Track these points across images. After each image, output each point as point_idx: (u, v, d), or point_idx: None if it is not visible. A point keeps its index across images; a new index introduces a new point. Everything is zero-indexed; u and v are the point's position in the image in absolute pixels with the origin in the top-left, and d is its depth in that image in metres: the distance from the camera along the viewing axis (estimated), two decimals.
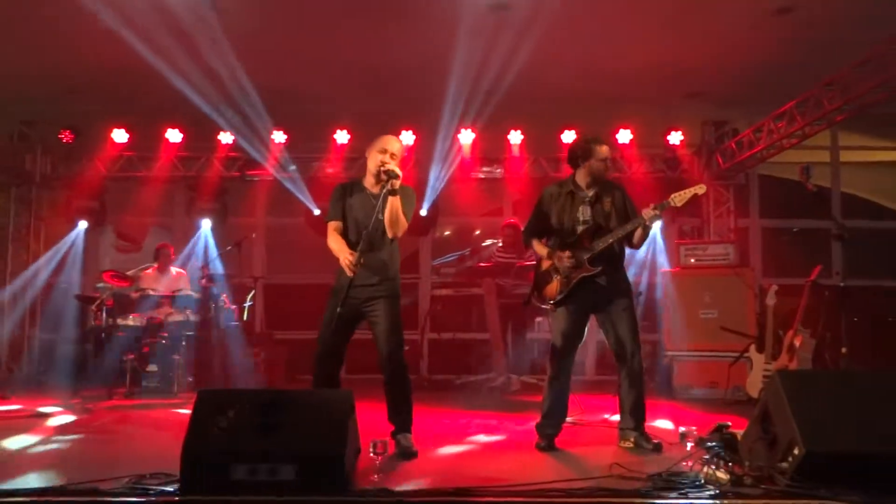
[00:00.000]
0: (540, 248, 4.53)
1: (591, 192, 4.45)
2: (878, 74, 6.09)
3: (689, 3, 6.71)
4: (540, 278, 4.52)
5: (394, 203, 4.00)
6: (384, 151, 4.09)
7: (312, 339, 4.14)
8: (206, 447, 3.06)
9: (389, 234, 4.09)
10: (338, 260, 4.06)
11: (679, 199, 4.29)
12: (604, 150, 4.43)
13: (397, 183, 3.97)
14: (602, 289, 4.36)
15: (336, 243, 4.11)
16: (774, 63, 7.86)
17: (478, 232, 10.24)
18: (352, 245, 4.05)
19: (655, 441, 4.26)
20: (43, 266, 8.92)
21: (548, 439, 4.32)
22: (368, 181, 4.20)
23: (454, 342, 8.66)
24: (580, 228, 4.39)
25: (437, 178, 8.99)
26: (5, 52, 7.43)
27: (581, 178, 4.48)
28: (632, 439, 4.34)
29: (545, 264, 4.49)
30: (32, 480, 3.37)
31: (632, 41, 7.36)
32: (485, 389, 7.42)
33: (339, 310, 3.90)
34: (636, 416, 4.41)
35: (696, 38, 7.37)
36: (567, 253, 4.34)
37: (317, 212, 8.90)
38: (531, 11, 6.94)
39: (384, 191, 3.98)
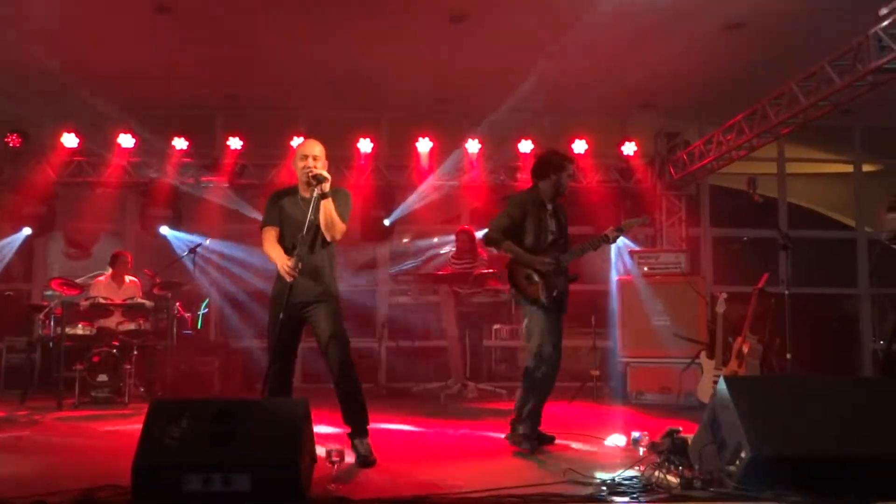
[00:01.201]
0: (517, 249, 4.58)
1: (551, 206, 4.72)
2: (821, 89, 6.31)
3: (642, 17, 6.88)
4: (520, 280, 4.62)
5: (326, 206, 3.97)
6: (306, 157, 4.06)
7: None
8: (158, 458, 3.01)
9: (328, 237, 4.05)
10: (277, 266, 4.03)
11: (628, 225, 4.84)
12: (572, 167, 4.75)
13: (327, 186, 3.95)
14: (563, 296, 4.63)
15: (272, 249, 4.08)
16: (724, 76, 8.11)
17: (436, 240, 10.26)
18: (287, 251, 4.03)
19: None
20: None
21: (526, 440, 4.49)
22: (301, 188, 4.17)
23: (412, 350, 8.65)
24: (550, 238, 4.63)
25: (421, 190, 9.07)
26: None
27: (545, 190, 4.66)
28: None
29: (522, 267, 4.58)
30: None
31: (587, 54, 7.50)
32: (442, 397, 7.42)
33: (280, 316, 3.89)
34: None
35: (649, 51, 7.55)
36: (551, 257, 4.54)
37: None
38: (490, 23, 7.05)
39: (315, 195, 3.95)
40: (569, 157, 4.77)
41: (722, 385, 3.53)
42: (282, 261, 3.96)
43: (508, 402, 7.20)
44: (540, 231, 4.61)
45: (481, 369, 8.09)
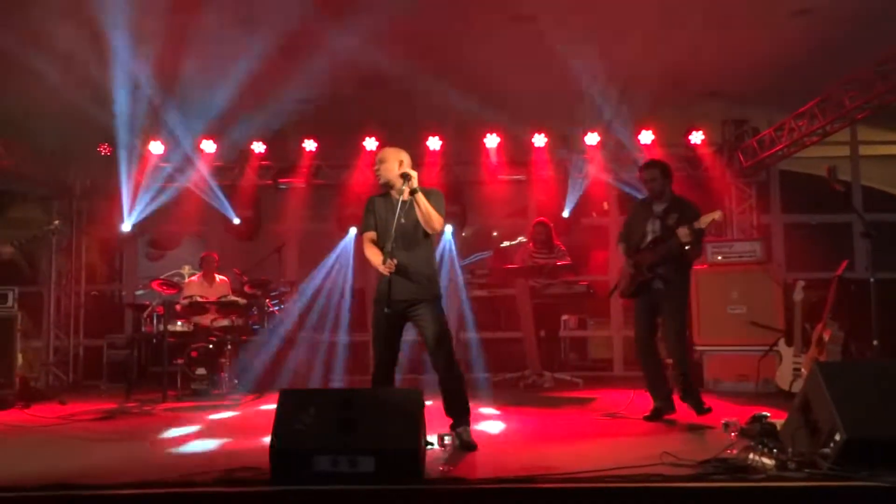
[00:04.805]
0: (624, 251, 5.48)
1: (661, 207, 5.13)
2: None
3: (707, 4, 6.90)
4: (622, 276, 5.48)
5: (420, 200, 4.23)
6: (382, 161, 4.41)
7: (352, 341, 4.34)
8: (292, 442, 3.33)
9: (428, 230, 4.30)
10: (374, 269, 4.30)
11: (705, 222, 5.00)
12: (644, 174, 5.39)
13: (415, 182, 4.24)
14: (657, 291, 5.20)
15: (370, 252, 4.37)
16: (792, 62, 7.98)
17: (495, 234, 10.46)
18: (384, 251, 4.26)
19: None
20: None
21: (654, 412, 5.27)
22: (390, 189, 4.45)
23: (485, 341, 8.84)
24: (650, 237, 5.15)
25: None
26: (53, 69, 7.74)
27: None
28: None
29: (626, 266, 5.40)
30: (126, 476, 3.61)
31: (651, 42, 7.54)
32: (520, 386, 7.62)
33: (386, 310, 4.16)
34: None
35: (714, 38, 7.53)
36: (632, 261, 5.27)
37: (236, 220, 9.35)
38: (555, 19, 7.16)
39: (406, 192, 4.24)
40: (644, 166, 5.46)
41: (815, 370, 3.66)
42: (377, 260, 4.23)
43: (585, 391, 7.42)
44: (633, 234, 5.37)
45: (555, 359, 8.24)
